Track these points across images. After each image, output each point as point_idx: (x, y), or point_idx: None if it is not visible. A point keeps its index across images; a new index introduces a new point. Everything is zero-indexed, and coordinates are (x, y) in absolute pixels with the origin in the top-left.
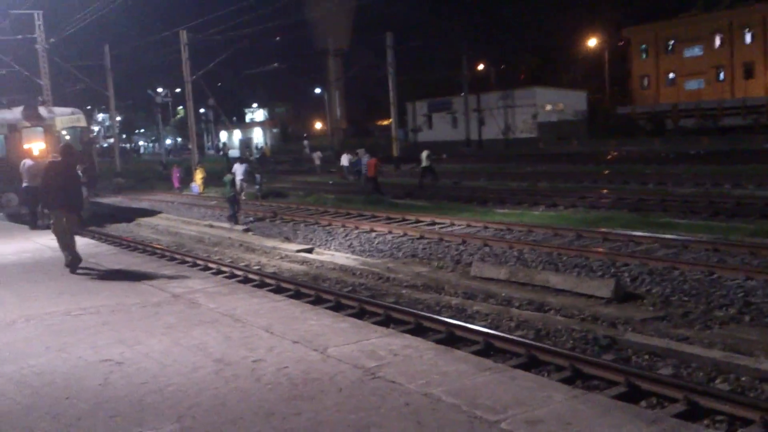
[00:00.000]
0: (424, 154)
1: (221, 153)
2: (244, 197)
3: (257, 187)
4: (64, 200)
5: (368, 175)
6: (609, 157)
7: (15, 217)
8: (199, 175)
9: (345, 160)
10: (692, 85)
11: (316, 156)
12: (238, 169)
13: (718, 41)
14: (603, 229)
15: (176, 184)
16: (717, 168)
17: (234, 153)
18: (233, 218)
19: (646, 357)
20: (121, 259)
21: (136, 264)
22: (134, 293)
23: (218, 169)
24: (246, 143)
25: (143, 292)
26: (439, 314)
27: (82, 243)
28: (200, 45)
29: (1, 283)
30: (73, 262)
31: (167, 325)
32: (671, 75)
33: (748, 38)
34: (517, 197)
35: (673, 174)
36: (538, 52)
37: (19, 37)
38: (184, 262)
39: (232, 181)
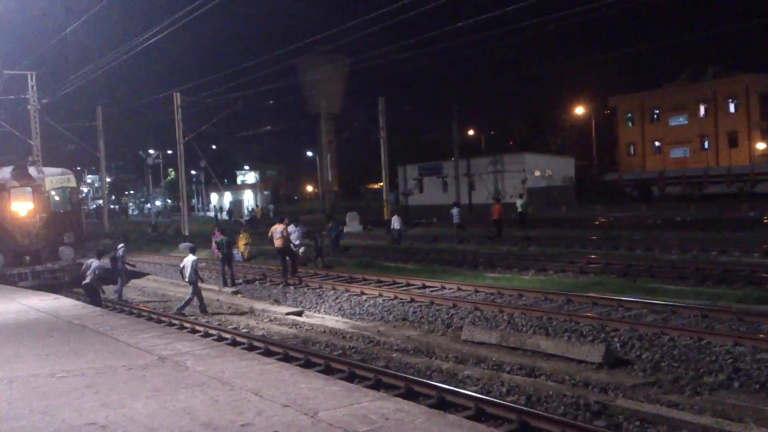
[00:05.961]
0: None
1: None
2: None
3: (316, 252)
4: None
5: (494, 218)
6: (597, 222)
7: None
8: (242, 241)
9: (396, 222)
10: (677, 153)
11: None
12: (294, 232)
13: (702, 111)
14: (592, 294)
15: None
16: (703, 235)
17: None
18: (228, 280)
19: (638, 423)
20: (107, 321)
21: (122, 326)
22: (120, 355)
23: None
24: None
25: (129, 355)
26: (429, 378)
27: (68, 305)
28: (193, 107)
29: None
30: None
31: (154, 388)
32: (657, 143)
33: (731, 108)
34: (507, 261)
35: (660, 240)
36: (527, 118)
37: (11, 97)
38: (171, 324)
39: (227, 242)
